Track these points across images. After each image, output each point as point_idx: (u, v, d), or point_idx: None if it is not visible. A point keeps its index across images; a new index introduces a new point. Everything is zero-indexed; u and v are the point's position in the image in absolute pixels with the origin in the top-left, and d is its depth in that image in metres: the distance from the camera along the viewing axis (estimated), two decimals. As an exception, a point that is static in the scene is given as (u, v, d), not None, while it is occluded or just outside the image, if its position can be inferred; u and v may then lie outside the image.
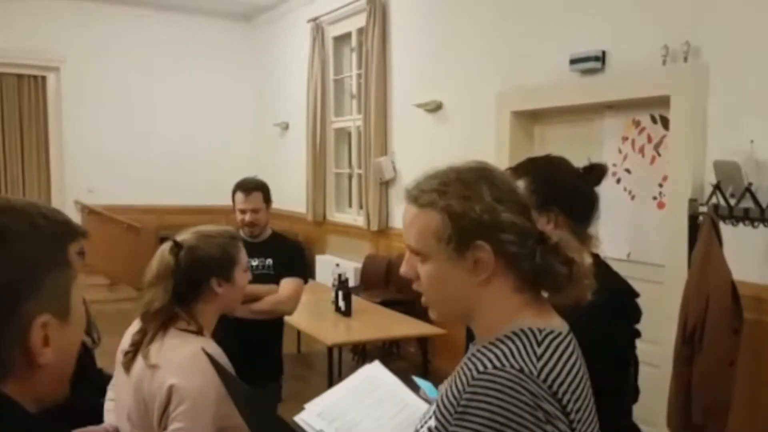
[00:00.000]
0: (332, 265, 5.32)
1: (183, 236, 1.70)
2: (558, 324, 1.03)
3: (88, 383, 2.16)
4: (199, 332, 1.64)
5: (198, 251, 1.66)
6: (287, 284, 2.87)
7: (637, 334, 1.62)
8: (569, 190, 1.55)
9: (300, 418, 1.36)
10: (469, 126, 4.73)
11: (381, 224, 5.60)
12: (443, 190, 1.02)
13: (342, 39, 6.55)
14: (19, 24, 7.09)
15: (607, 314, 1.36)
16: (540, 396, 0.91)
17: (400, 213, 5.29)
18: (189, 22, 7.85)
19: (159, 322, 1.62)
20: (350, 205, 6.58)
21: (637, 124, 3.58)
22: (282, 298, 2.85)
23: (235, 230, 1.92)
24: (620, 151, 3.66)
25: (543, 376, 0.93)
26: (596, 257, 1.52)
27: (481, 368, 0.94)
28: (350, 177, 6.54)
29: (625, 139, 3.65)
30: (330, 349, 3.94)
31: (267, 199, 3.01)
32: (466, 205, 1.00)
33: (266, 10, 7.75)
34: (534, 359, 0.94)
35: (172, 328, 1.63)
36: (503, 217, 1.00)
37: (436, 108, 5.03)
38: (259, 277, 2.86)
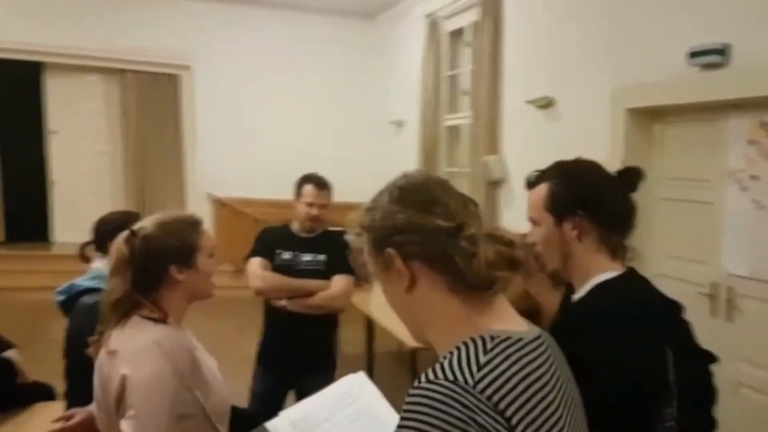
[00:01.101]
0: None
1: (141, 224, 1.68)
2: (521, 329, 0.98)
3: None
4: (162, 320, 1.63)
5: (153, 240, 1.64)
6: (339, 281, 2.94)
7: (704, 356, 1.45)
8: (596, 193, 1.41)
9: (272, 425, 1.37)
10: (581, 124, 4.44)
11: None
12: (369, 207, 1.05)
13: (457, 34, 6.41)
14: (155, 24, 7.61)
15: (607, 326, 1.27)
16: (475, 408, 0.84)
17: (509, 215, 5.16)
18: (312, 21, 8.06)
19: (120, 311, 1.62)
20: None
21: (765, 126, 3.17)
22: (334, 293, 2.92)
23: (198, 216, 1.81)
24: (746, 156, 3.26)
25: (481, 386, 0.86)
26: (630, 271, 1.43)
27: (416, 383, 0.89)
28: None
29: (751, 142, 3.24)
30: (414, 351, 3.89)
31: (331, 197, 3.12)
32: (369, 216, 1.03)
33: (388, 6, 7.76)
34: (473, 369, 0.88)
35: (135, 315, 1.63)
36: (398, 219, 0.98)
37: (547, 104, 4.77)
38: (311, 273, 3.01)
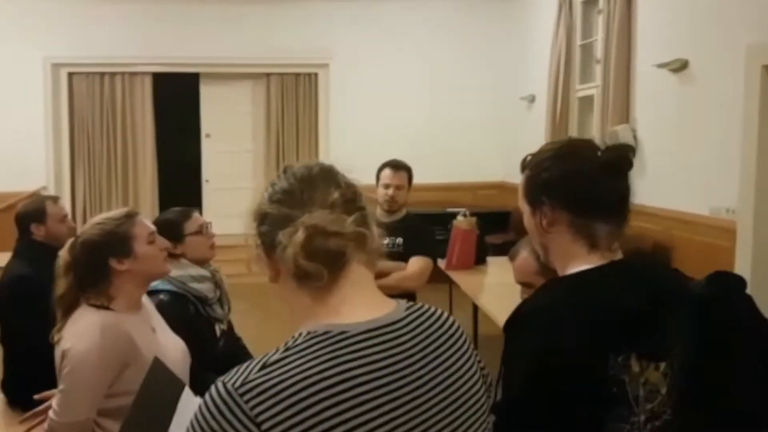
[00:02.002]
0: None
1: (83, 230, 1.91)
2: (364, 318, 0.92)
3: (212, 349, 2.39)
4: (105, 306, 1.82)
5: (89, 242, 1.85)
6: (415, 262, 2.98)
7: (645, 357, 1.18)
8: (564, 178, 1.25)
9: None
10: (715, 85, 4.01)
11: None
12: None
13: (590, 3, 6.07)
14: (297, 27, 7.92)
15: (517, 327, 1.18)
16: (227, 418, 0.81)
17: (643, 188, 4.79)
18: (443, 2, 7.99)
19: (64, 304, 1.83)
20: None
21: None
22: (408, 274, 2.94)
23: (133, 209, 1.99)
24: None
25: (250, 393, 0.82)
26: (610, 265, 1.23)
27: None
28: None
29: None
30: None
31: (410, 179, 3.12)
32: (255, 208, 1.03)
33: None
34: (254, 371, 0.85)
35: (83, 304, 1.84)
36: (263, 209, 0.99)
37: (680, 68, 4.35)
38: (389, 255, 3.00)
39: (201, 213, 8.40)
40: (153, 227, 1.96)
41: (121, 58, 7.80)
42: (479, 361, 1.03)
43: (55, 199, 3.39)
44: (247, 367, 0.86)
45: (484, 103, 8.11)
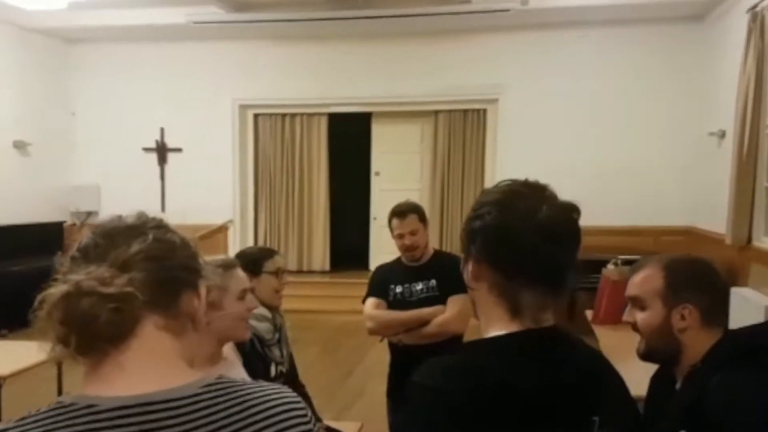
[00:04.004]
0: (753, 303, 4.30)
1: None
2: (134, 392, 0.82)
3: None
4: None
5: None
6: (453, 302, 2.78)
7: None
8: (494, 232, 1.09)
9: None
10: None
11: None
12: None
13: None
14: (466, 63, 7.87)
15: (409, 394, 1.05)
16: None
17: None
18: (621, 33, 7.48)
19: None
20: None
21: None
22: (449, 317, 2.77)
23: (235, 259, 1.91)
24: None
25: None
26: (521, 334, 1.08)
27: None
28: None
29: None
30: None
31: (422, 219, 2.91)
32: None
33: (710, 6, 6.84)
34: None
35: None
36: (56, 269, 0.90)
37: None
38: (426, 300, 2.87)
39: (368, 249, 8.70)
40: (248, 284, 1.89)
41: (301, 100, 8.30)
42: None
43: None
44: None
45: (668, 139, 7.43)
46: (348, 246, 8.74)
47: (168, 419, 0.81)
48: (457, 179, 8.12)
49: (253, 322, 2.31)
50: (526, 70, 7.75)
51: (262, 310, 2.39)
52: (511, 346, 1.06)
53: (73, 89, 8.51)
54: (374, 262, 8.38)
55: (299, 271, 8.33)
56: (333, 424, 2.83)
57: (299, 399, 0.93)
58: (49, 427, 0.79)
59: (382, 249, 8.27)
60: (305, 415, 0.92)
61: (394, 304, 2.93)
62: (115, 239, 0.89)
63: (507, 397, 0.99)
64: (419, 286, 2.90)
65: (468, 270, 1.13)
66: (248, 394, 0.89)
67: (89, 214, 8.34)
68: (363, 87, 8.08)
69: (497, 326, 1.09)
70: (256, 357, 2.34)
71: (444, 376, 1.04)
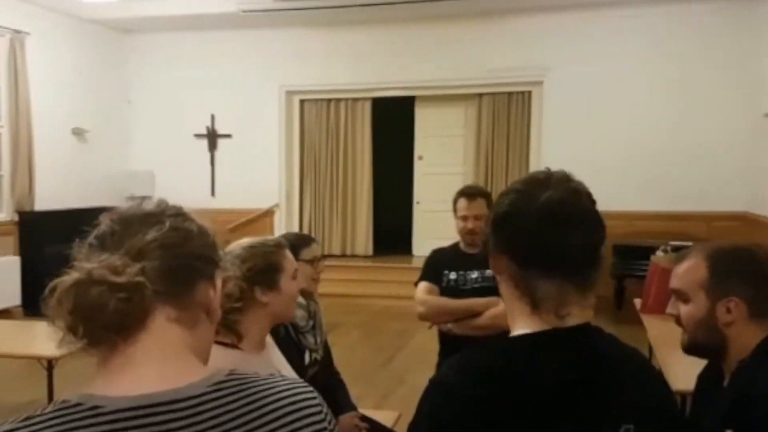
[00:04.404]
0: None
1: (230, 248, 1.67)
2: (137, 392, 0.80)
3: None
4: (233, 345, 1.60)
5: (240, 263, 1.64)
6: None
7: None
8: (506, 217, 1.08)
9: None
10: None
11: None
12: None
13: None
14: (510, 45, 7.78)
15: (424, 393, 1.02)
16: None
17: None
18: (672, 11, 7.23)
19: None
20: None
21: None
22: (501, 311, 2.44)
23: (284, 240, 1.81)
24: None
25: None
26: (546, 334, 1.04)
27: None
28: None
29: None
30: None
31: (490, 205, 2.72)
32: None
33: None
34: None
35: None
36: (73, 256, 0.88)
37: None
38: (480, 290, 2.74)
39: (411, 233, 8.70)
40: (296, 264, 1.87)
41: (346, 85, 8.37)
42: None
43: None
44: None
45: (722, 121, 7.17)
46: (391, 230, 8.80)
47: (172, 422, 0.79)
48: (501, 163, 8.05)
49: None
50: (572, 51, 7.58)
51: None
52: (531, 346, 1.02)
53: (129, 78, 8.81)
54: (417, 247, 8.44)
55: (342, 255, 8.43)
56: (370, 413, 2.73)
57: (314, 395, 0.90)
58: (54, 429, 0.78)
59: (425, 233, 8.33)
60: (320, 412, 0.88)
61: (447, 290, 2.84)
62: (132, 226, 0.87)
63: (522, 399, 0.97)
64: (474, 275, 2.80)
65: (490, 262, 1.12)
66: (259, 392, 0.86)
67: (144, 198, 8.64)
68: (407, 71, 8.07)
69: (520, 322, 1.07)
70: (290, 344, 2.31)
71: (459, 373, 1.02)
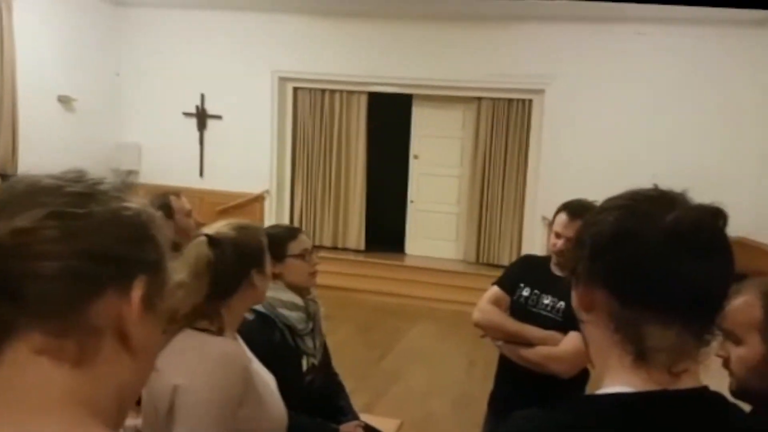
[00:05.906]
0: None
1: (217, 230, 1.62)
2: None
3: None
4: (218, 332, 1.55)
5: (242, 245, 1.61)
6: (570, 339, 2.25)
7: None
8: (610, 242, 0.86)
9: None
10: None
11: None
12: None
13: None
14: (513, 50, 7.70)
15: None
16: None
17: None
18: (685, 33, 7.26)
19: (189, 319, 1.53)
20: None
21: None
22: (558, 353, 2.27)
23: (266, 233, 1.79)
24: None
25: None
26: (652, 396, 0.81)
27: None
28: None
29: None
30: None
31: None
32: None
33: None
34: None
35: (187, 328, 1.54)
36: None
37: None
38: (544, 319, 2.45)
39: (405, 232, 8.64)
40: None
41: (342, 76, 8.20)
42: None
43: (178, 194, 3.26)
44: None
45: (734, 141, 7.24)
46: (384, 227, 8.69)
47: None
48: (498, 169, 8.02)
49: (284, 312, 2.16)
50: (577, 61, 7.57)
51: (293, 298, 2.19)
52: (632, 409, 0.79)
53: (119, 50, 8.48)
54: (410, 246, 8.37)
55: (334, 248, 8.32)
56: (370, 420, 2.59)
57: None
58: None
59: (418, 233, 8.27)
60: None
61: (516, 305, 2.57)
62: (8, 205, 0.61)
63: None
64: (547, 300, 2.49)
65: (578, 295, 0.89)
66: None
67: (129, 173, 8.36)
68: (405, 68, 7.96)
69: (616, 376, 0.84)
70: (287, 350, 2.16)
71: None
